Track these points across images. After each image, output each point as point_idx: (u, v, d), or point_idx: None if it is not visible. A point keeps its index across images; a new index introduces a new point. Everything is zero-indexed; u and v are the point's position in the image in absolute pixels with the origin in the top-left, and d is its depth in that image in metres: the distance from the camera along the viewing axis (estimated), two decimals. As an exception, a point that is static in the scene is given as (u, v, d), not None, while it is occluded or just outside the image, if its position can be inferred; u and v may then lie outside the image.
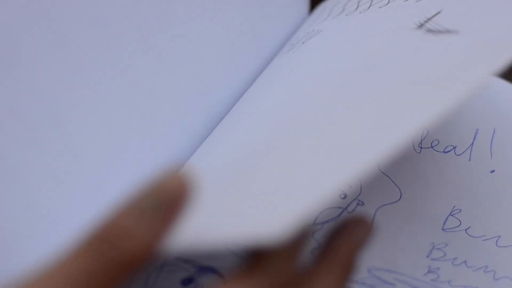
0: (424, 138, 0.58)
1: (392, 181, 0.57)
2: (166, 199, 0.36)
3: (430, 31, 0.46)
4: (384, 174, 0.57)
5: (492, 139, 0.58)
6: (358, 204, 0.56)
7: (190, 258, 0.52)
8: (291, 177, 0.38)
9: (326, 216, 0.55)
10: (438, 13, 0.48)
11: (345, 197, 0.56)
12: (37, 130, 0.45)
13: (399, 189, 0.57)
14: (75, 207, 0.47)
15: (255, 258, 0.37)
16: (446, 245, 0.55)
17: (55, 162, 0.46)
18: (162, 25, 0.53)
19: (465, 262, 0.54)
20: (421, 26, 0.47)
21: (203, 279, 0.52)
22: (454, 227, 0.56)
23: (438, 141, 0.58)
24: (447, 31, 0.45)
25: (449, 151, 0.58)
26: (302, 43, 0.60)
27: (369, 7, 0.56)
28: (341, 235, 0.40)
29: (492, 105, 0.60)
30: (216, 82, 0.58)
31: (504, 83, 0.61)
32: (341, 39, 0.54)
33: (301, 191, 0.35)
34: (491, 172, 0.58)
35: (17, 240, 0.44)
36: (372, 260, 0.54)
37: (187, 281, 0.52)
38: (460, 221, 0.56)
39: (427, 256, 0.54)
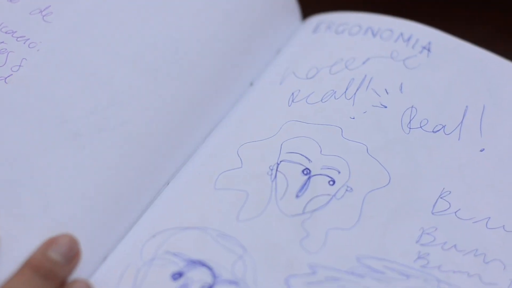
0: (413, 118, 0.58)
1: (381, 165, 0.56)
2: None
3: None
4: (373, 157, 0.57)
5: (481, 117, 0.58)
6: (347, 190, 0.56)
7: (179, 251, 0.52)
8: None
9: (315, 204, 0.55)
10: None
11: (333, 183, 0.56)
12: None
13: (388, 173, 0.56)
14: None
15: None
16: (436, 229, 0.54)
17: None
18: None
19: (455, 246, 0.54)
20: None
21: (193, 273, 0.52)
22: (444, 210, 0.55)
23: (427, 121, 0.58)
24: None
25: (438, 130, 0.58)
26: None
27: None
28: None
29: (482, 81, 0.59)
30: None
31: (494, 57, 0.60)
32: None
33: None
34: (481, 150, 0.57)
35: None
36: (360, 248, 0.53)
37: (177, 275, 0.52)
38: (449, 203, 0.55)
39: (417, 242, 0.54)
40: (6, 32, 0.59)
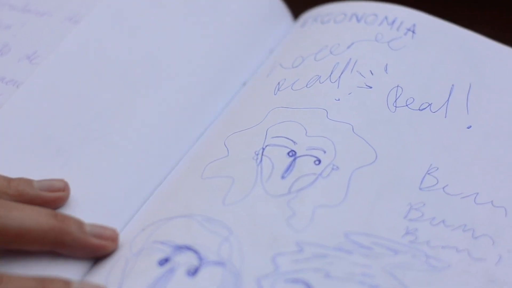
0: (398, 97, 0.57)
1: (367, 142, 0.56)
2: None
3: None
4: (359, 136, 0.56)
5: (468, 94, 0.58)
6: (332, 168, 0.55)
7: (166, 239, 0.52)
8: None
9: (301, 183, 0.54)
10: None
11: (319, 163, 0.55)
12: None
13: (375, 150, 0.56)
14: None
15: None
16: (424, 204, 0.54)
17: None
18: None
19: (443, 221, 0.53)
20: None
21: (179, 257, 0.51)
22: (432, 186, 0.55)
23: (413, 99, 0.57)
24: None
25: (425, 108, 0.57)
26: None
27: None
28: None
29: (468, 60, 0.59)
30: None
31: (479, 37, 0.60)
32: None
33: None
34: (468, 128, 0.57)
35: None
36: (348, 225, 0.53)
37: (163, 260, 0.51)
38: (437, 179, 0.55)
39: (405, 217, 0.53)
40: None
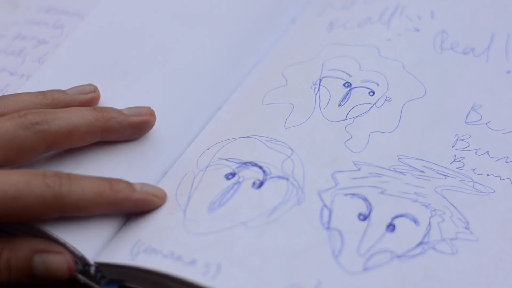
0: (444, 40, 0.62)
1: (416, 79, 0.61)
2: None
3: None
4: (409, 73, 0.61)
5: (506, 43, 0.62)
6: (386, 100, 0.60)
7: (232, 156, 0.55)
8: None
9: (357, 111, 0.59)
10: None
11: (373, 94, 0.60)
12: None
13: (424, 86, 0.60)
14: None
15: None
16: (470, 136, 0.58)
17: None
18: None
19: (487, 152, 0.58)
20: None
21: (245, 172, 0.55)
22: (476, 121, 0.59)
23: (458, 43, 0.62)
24: None
25: (468, 52, 0.62)
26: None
27: None
28: None
29: (507, 12, 0.63)
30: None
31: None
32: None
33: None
34: (507, 72, 0.61)
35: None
36: (401, 150, 0.57)
37: (230, 175, 0.55)
38: (481, 115, 0.59)
39: (453, 147, 0.58)
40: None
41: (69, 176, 0.52)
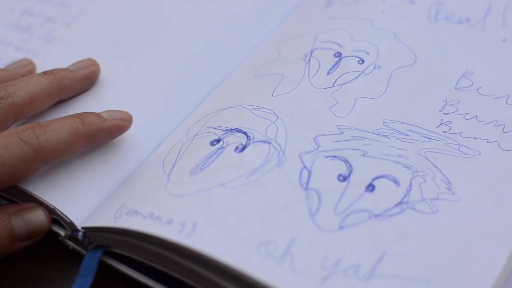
0: (439, 11, 0.62)
1: (407, 47, 0.60)
2: None
3: None
4: (400, 42, 0.60)
5: (503, 12, 0.61)
6: (375, 67, 0.59)
7: (218, 125, 0.56)
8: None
9: (345, 78, 0.59)
10: None
11: (363, 62, 0.59)
12: None
13: (414, 54, 0.60)
14: None
15: None
16: (458, 102, 0.57)
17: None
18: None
19: (476, 117, 0.57)
20: None
21: (229, 138, 0.56)
22: (467, 87, 0.58)
23: (453, 14, 0.61)
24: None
25: (463, 22, 0.61)
26: None
27: None
28: None
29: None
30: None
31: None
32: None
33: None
34: (503, 41, 0.60)
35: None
36: (386, 114, 0.56)
37: (215, 141, 0.56)
38: (472, 81, 0.59)
39: (440, 111, 0.57)
40: None
41: (41, 125, 0.53)
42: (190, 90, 0.63)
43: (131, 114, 0.58)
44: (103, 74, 0.63)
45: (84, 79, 0.61)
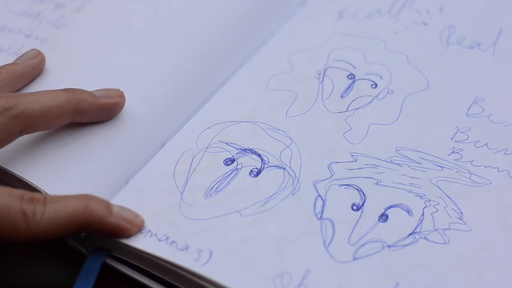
0: (451, 35, 0.62)
1: (420, 72, 0.61)
2: None
3: None
4: (413, 66, 0.61)
5: (514, 38, 0.62)
6: (388, 92, 0.60)
7: (231, 141, 0.57)
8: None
9: (358, 103, 0.59)
10: None
11: (376, 86, 0.60)
12: None
13: (427, 79, 0.61)
14: None
15: None
16: (470, 129, 0.58)
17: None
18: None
19: (487, 144, 0.57)
20: None
21: (244, 159, 0.56)
22: (477, 113, 0.59)
23: (464, 38, 0.62)
24: None
25: (474, 47, 0.62)
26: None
27: None
28: None
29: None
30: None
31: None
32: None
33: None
34: None
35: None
36: (399, 141, 0.57)
37: (229, 161, 0.56)
38: (482, 108, 0.59)
39: (452, 139, 0.58)
40: None
41: (45, 198, 0.51)
42: (196, 86, 0.63)
43: (143, 217, 0.53)
44: (112, 60, 0.63)
45: (104, 108, 0.57)
